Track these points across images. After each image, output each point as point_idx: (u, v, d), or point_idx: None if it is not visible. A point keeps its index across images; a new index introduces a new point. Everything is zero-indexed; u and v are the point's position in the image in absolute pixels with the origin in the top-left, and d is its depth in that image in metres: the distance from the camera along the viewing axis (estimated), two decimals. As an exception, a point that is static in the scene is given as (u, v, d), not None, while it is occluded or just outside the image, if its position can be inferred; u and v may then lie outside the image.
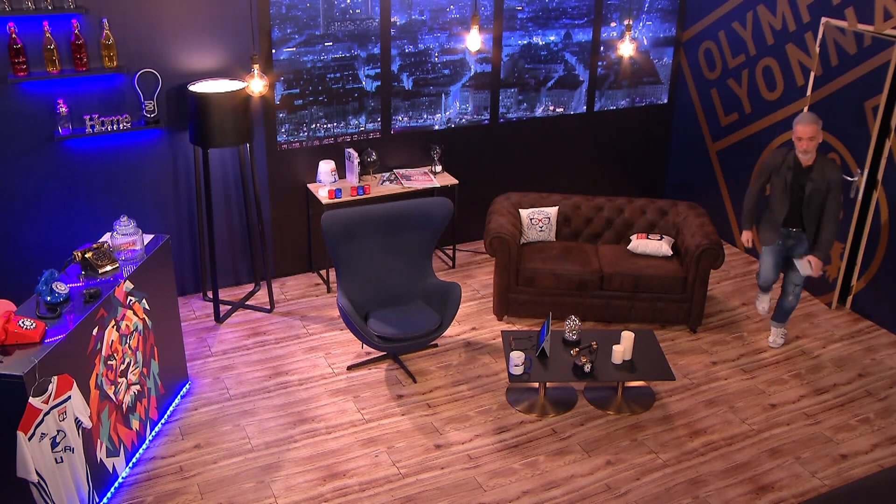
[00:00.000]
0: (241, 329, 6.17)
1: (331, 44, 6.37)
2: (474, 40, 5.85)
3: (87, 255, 4.53)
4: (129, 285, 4.59)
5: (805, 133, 5.35)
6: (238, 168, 6.30)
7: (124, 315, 4.55)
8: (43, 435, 3.83)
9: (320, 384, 5.56)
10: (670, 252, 6.25)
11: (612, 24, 7.36)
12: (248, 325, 6.22)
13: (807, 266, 5.59)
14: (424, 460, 4.89)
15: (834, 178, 5.43)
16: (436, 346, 6.00)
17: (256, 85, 5.76)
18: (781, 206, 5.62)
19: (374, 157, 6.69)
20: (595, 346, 5.32)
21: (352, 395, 5.45)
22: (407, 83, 6.77)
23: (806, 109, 6.58)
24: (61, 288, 4.25)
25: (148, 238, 4.96)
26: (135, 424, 4.75)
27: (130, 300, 4.61)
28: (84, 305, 4.24)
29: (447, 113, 7.03)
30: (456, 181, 6.85)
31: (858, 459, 4.96)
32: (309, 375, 5.64)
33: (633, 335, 5.30)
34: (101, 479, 4.39)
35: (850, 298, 6.55)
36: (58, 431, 3.92)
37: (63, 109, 5.56)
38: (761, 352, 6.02)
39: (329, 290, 6.71)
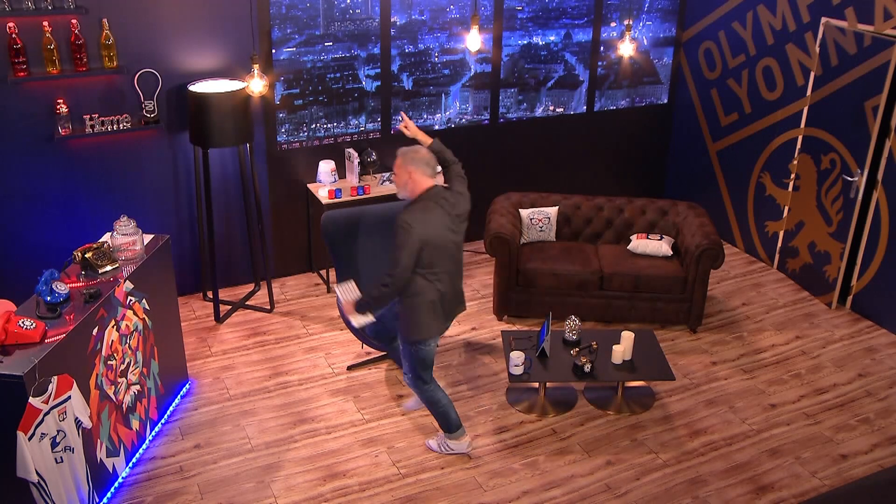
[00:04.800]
0: (241, 329, 6.17)
1: (331, 44, 6.37)
2: (474, 40, 5.85)
3: (87, 255, 4.53)
4: (129, 285, 4.59)
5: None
6: (238, 168, 6.30)
7: (124, 315, 4.55)
8: (43, 435, 3.83)
9: (320, 384, 5.56)
10: (670, 252, 6.25)
11: (612, 24, 7.36)
12: (248, 325, 6.22)
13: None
14: (424, 460, 4.89)
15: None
16: (436, 346, 6.00)
17: (256, 85, 5.76)
18: None
19: (374, 157, 6.69)
20: (595, 346, 5.31)
21: (352, 395, 5.45)
22: (407, 83, 6.77)
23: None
24: (61, 288, 4.25)
25: (148, 238, 4.96)
26: (135, 424, 4.75)
27: (130, 300, 4.61)
28: (84, 305, 4.24)
29: (447, 113, 7.03)
30: (456, 181, 6.84)
31: (858, 459, 4.96)
32: (309, 375, 5.64)
33: (633, 335, 5.30)
34: (101, 479, 4.39)
35: (850, 298, 6.55)
36: (58, 431, 3.92)
37: (63, 109, 5.56)
38: (761, 352, 6.02)
39: (329, 290, 6.71)
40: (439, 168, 4.53)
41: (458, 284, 4.60)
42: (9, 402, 3.71)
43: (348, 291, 4.48)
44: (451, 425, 4.82)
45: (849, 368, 5.84)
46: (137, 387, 4.76)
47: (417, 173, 4.36)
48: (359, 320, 4.47)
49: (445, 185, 4.58)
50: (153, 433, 5.01)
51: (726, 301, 6.69)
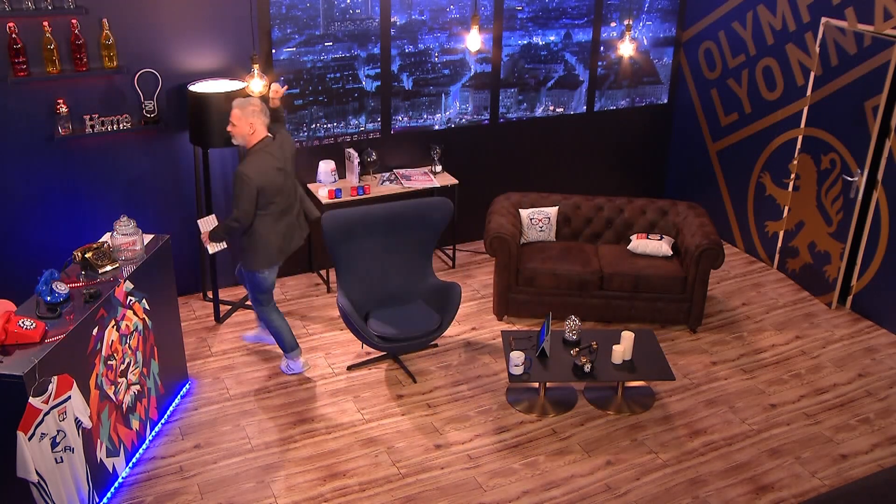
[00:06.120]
0: (241, 329, 6.17)
1: (331, 44, 6.37)
2: (474, 40, 5.85)
3: (87, 255, 4.53)
4: (129, 285, 4.59)
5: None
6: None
7: (124, 315, 4.55)
8: (43, 435, 3.83)
9: (320, 384, 5.56)
10: (670, 252, 6.25)
11: (612, 24, 7.36)
12: (249, 326, 6.22)
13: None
14: (424, 460, 4.90)
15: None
16: (436, 346, 6.00)
17: (256, 85, 5.75)
18: None
19: (374, 157, 6.69)
20: (595, 346, 5.31)
21: (352, 395, 5.45)
22: (407, 83, 6.78)
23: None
24: (61, 288, 4.25)
25: (148, 238, 4.96)
26: (135, 424, 4.75)
27: (130, 300, 4.61)
28: (84, 305, 4.24)
29: (447, 113, 7.03)
30: (456, 181, 6.85)
31: (858, 459, 4.96)
32: (309, 375, 5.64)
33: (633, 335, 5.30)
34: (101, 479, 4.39)
35: (850, 298, 6.55)
36: (58, 431, 3.92)
37: (63, 109, 5.56)
38: (761, 352, 6.02)
39: (329, 290, 6.71)
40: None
41: (292, 218, 5.25)
42: (9, 402, 3.71)
43: (208, 223, 5.25)
44: (285, 345, 5.50)
45: (849, 368, 5.84)
46: (137, 387, 4.76)
47: (258, 123, 4.91)
48: (214, 247, 5.24)
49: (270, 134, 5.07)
50: (153, 433, 5.01)
51: (726, 301, 6.69)
